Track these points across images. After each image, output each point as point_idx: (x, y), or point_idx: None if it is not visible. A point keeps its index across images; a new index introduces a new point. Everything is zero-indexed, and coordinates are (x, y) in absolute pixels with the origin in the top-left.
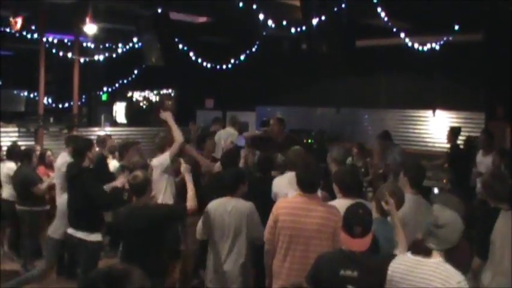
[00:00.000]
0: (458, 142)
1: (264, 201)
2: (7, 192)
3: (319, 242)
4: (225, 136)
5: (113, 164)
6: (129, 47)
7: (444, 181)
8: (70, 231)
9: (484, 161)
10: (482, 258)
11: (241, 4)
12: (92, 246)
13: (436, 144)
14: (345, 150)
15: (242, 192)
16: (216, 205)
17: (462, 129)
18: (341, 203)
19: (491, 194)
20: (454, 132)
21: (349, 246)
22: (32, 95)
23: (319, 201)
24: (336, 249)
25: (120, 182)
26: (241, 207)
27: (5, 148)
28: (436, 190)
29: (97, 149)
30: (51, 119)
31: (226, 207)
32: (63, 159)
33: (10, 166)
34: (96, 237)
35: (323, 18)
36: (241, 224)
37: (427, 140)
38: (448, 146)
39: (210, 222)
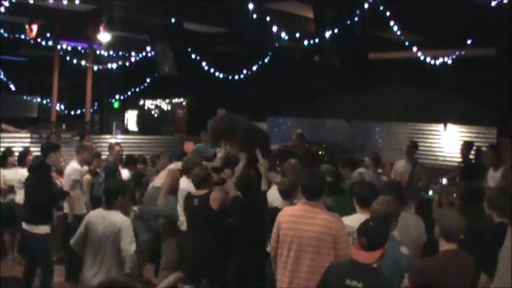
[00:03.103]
0: (470, 157)
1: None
2: (20, 197)
3: (319, 250)
4: None
5: (125, 173)
6: (142, 56)
7: (454, 195)
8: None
9: (494, 176)
10: (490, 275)
11: (254, 15)
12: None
13: (447, 159)
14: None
15: (121, 205)
16: (92, 215)
17: (473, 143)
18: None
19: (495, 208)
20: (468, 147)
21: (356, 256)
22: (45, 102)
23: (322, 210)
24: (348, 259)
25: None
26: (115, 220)
27: (16, 153)
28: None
29: (105, 156)
30: (64, 126)
31: (100, 219)
32: (71, 166)
33: (23, 172)
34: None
35: (336, 31)
36: (113, 237)
37: (438, 154)
38: (459, 160)
39: (86, 233)
